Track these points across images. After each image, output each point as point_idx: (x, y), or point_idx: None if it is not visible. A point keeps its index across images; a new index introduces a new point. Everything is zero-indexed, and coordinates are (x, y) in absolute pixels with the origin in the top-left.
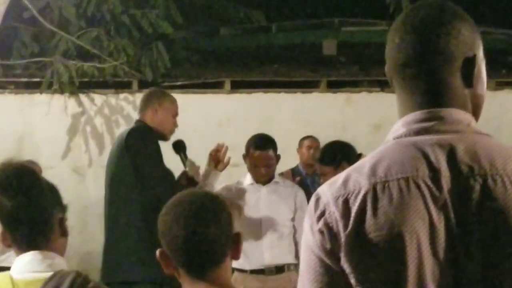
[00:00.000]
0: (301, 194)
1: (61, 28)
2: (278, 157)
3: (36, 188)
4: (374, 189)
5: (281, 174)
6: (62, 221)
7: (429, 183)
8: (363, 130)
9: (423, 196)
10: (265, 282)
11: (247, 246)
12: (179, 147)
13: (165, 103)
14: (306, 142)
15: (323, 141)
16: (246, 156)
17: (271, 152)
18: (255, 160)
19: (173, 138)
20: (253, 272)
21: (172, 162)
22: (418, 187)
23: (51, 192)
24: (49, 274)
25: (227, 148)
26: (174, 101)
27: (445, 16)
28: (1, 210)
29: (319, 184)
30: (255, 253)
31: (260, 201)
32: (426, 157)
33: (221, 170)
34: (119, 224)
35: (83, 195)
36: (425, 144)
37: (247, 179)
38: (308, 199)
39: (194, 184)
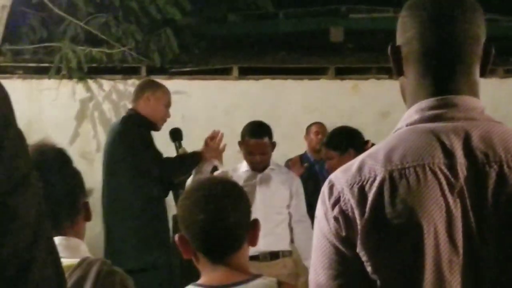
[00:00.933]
0: (297, 181)
1: (70, 14)
2: (273, 145)
3: (66, 170)
4: (391, 176)
5: (289, 161)
6: (86, 205)
7: (445, 170)
8: (371, 117)
9: (440, 184)
10: (259, 268)
11: None
12: (176, 136)
13: (157, 93)
14: (314, 128)
15: (331, 128)
16: (241, 144)
17: (266, 140)
18: (250, 148)
19: (181, 124)
20: (250, 258)
21: (165, 153)
22: (435, 174)
23: (77, 175)
24: (75, 261)
25: (222, 135)
26: (167, 92)
27: (463, 4)
28: None
29: (327, 170)
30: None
31: (255, 188)
32: (441, 144)
33: (216, 157)
34: (116, 213)
35: (91, 180)
36: (440, 131)
37: (243, 166)
38: (316, 185)
39: (186, 159)
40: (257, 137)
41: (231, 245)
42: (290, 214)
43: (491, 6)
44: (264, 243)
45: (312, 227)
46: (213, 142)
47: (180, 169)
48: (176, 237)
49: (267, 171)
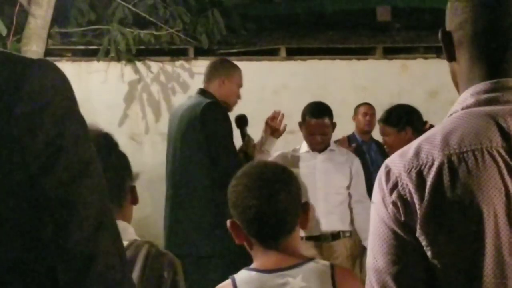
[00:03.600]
0: (356, 161)
1: None
2: (334, 125)
3: (114, 155)
4: (449, 160)
5: (337, 141)
6: (133, 189)
7: (503, 153)
8: (419, 97)
9: (498, 167)
10: (320, 248)
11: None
12: (242, 122)
13: (233, 75)
14: (362, 109)
15: (379, 108)
16: (302, 124)
17: (327, 120)
18: (311, 128)
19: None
20: (308, 238)
21: None
22: (493, 157)
23: (124, 159)
24: (124, 243)
25: (283, 115)
26: (240, 73)
27: None
28: None
29: (375, 152)
30: (312, 220)
31: (316, 169)
32: (499, 127)
33: (277, 138)
34: (186, 198)
35: (140, 162)
36: (497, 114)
37: (303, 147)
38: (363, 165)
39: (249, 159)
40: (318, 117)
41: (283, 229)
42: (350, 195)
43: None
44: (325, 223)
45: None
46: (274, 123)
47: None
48: (229, 223)
49: (327, 151)
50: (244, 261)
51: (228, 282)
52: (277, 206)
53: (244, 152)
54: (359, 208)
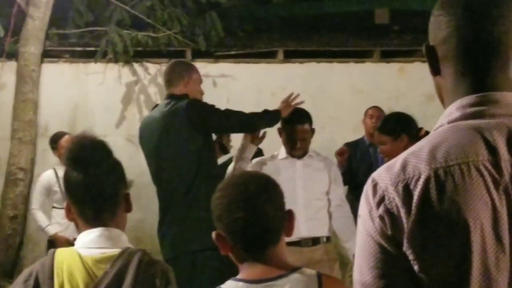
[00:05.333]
0: (334, 167)
1: None
2: (313, 131)
3: (107, 162)
4: (436, 174)
5: (338, 151)
6: (127, 197)
7: (490, 167)
8: (416, 100)
9: (485, 181)
10: (301, 253)
11: None
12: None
13: (194, 75)
14: (370, 112)
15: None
16: (281, 130)
17: (307, 126)
18: (291, 134)
19: (226, 107)
20: (289, 244)
21: None
22: (479, 171)
23: (118, 167)
24: (116, 251)
25: (298, 95)
26: (198, 70)
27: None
28: (72, 183)
29: (380, 154)
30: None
31: (295, 175)
32: (485, 141)
33: (257, 145)
34: (180, 194)
35: (136, 164)
36: (482, 127)
37: (281, 153)
38: (369, 167)
39: (225, 151)
40: (299, 123)
41: (270, 240)
42: (329, 200)
43: None
44: (306, 229)
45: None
46: (289, 100)
47: (261, 119)
48: (214, 234)
49: (306, 157)
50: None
51: None
52: (263, 218)
53: (219, 143)
54: (339, 212)
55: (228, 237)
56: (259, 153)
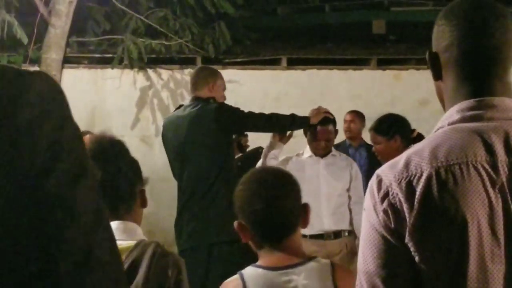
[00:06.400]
0: (355, 166)
1: (131, 8)
2: (336, 132)
3: (124, 160)
4: (437, 173)
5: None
6: (142, 193)
7: (487, 167)
8: (411, 105)
9: (482, 180)
10: (323, 245)
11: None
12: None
13: (218, 80)
14: (345, 116)
15: (374, 115)
16: (308, 130)
17: (331, 127)
18: (317, 134)
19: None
20: (312, 237)
21: None
22: (477, 171)
23: (134, 165)
24: (132, 243)
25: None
26: (223, 78)
27: (503, 11)
28: None
29: (363, 157)
30: (315, 220)
31: (319, 173)
32: (483, 142)
33: (285, 143)
34: (202, 191)
35: (150, 163)
36: (481, 130)
37: (306, 152)
38: None
39: (242, 150)
40: (324, 124)
41: (287, 230)
42: (349, 197)
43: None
44: (328, 223)
45: None
46: (320, 109)
47: (286, 122)
48: (236, 224)
49: (329, 156)
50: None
51: (236, 277)
52: (281, 209)
53: (238, 143)
54: (357, 209)
55: (249, 227)
56: (256, 151)
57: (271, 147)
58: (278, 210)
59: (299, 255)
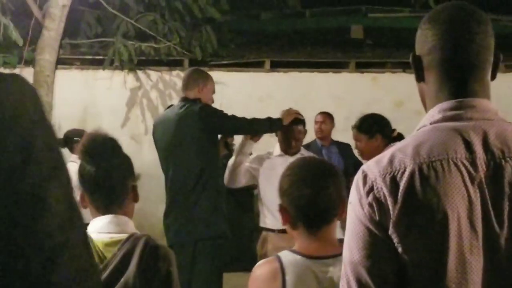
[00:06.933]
0: None
1: (122, 12)
2: (305, 132)
3: (117, 157)
4: (420, 168)
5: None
6: (134, 188)
7: (467, 163)
8: (387, 106)
9: (462, 176)
10: (290, 240)
11: (276, 208)
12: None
13: (208, 84)
14: (316, 117)
15: (352, 116)
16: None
17: (301, 127)
18: (287, 133)
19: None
20: (280, 231)
21: None
22: (458, 167)
23: (127, 161)
24: (124, 236)
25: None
26: (213, 81)
27: (482, 17)
28: (85, 175)
29: (335, 154)
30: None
31: None
32: (463, 140)
33: (256, 142)
34: (188, 188)
35: (139, 160)
36: (461, 129)
37: (276, 151)
38: None
39: (228, 149)
40: (293, 124)
41: (327, 218)
42: None
43: (493, 7)
44: None
45: None
46: (290, 110)
47: (263, 125)
48: (279, 207)
49: (298, 155)
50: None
51: (273, 259)
52: (326, 197)
53: (224, 141)
54: None
55: (291, 210)
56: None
57: (243, 145)
58: (324, 197)
59: (336, 246)
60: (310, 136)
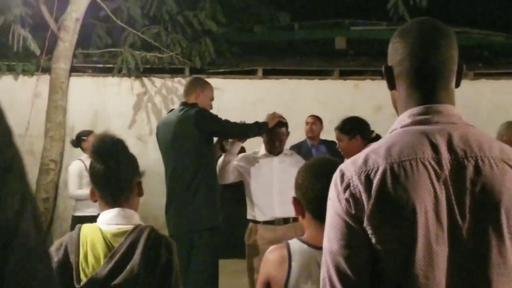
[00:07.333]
0: (303, 163)
1: (129, 25)
2: (287, 134)
3: (123, 156)
4: (391, 168)
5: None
6: (139, 184)
7: (433, 163)
8: (368, 110)
9: (429, 174)
10: (274, 230)
11: (261, 203)
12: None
13: (206, 90)
14: (307, 119)
15: (336, 119)
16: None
17: (284, 130)
18: (271, 135)
19: (217, 114)
20: (265, 223)
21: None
22: (425, 166)
23: (133, 160)
24: (130, 227)
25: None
26: (211, 88)
27: (446, 31)
28: (95, 172)
29: (323, 153)
30: (268, 208)
31: (272, 168)
32: (430, 142)
33: (243, 142)
34: (185, 184)
35: (145, 158)
36: (428, 132)
37: (261, 151)
38: None
39: (224, 150)
40: (277, 127)
41: None
42: None
43: (463, 21)
44: (279, 211)
45: None
46: (275, 114)
47: (253, 129)
48: (292, 199)
49: (281, 155)
50: (223, 232)
51: (282, 246)
52: None
53: (220, 143)
54: None
55: (303, 202)
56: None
57: (231, 145)
58: None
59: None
60: (301, 136)
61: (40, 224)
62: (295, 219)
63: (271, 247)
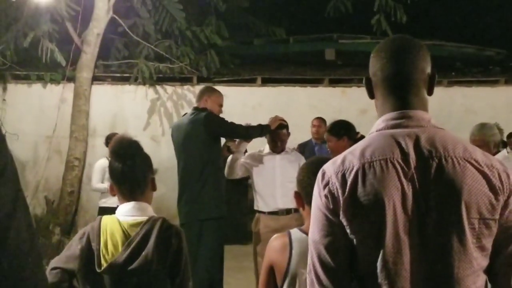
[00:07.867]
0: (303, 159)
1: (144, 39)
2: (288, 135)
3: (139, 156)
4: (363, 167)
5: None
6: (153, 180)
7: (401, 162)
8: (354, 114)
9: (397, 172)
10: (277, 220)
11: (265, 195)
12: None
13: (213, 96)
14: (313, 121)
15: (327, 122)
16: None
17: (285, 131)
18: (274, 136)
19: (222, 117)
20: (269, 213)
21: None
22: (394, 165)
23: (147, 159)
24: (144, 218)
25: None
26: (220, 95)
27: (415, 46)
28: (114, 170)
29: (325, 151)
30: (271, 200)
31: (275, 165)
32: (399, 144)
33: (248, 143)
34: (195, 178)
35: (158, 156)
36: (398, 135)
37: (266, 149)
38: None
39: (231, 152)
40: (279, 129)
41: None
42: None
43: (439, 35)
44: (281, 203)
45: None
46: (276, 117)
47: (255, 131)
48: (294, 193)
49: (283, 153)
50: (228, 222)
51: (285, 234)
52: None
53: (227, 146)
54: None
55: (304, 197)
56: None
57: (239, 144)
58: None
59: None
60: (301, 136)
61: (32, 226)
62: (296, 210)
63: (275, 235)
